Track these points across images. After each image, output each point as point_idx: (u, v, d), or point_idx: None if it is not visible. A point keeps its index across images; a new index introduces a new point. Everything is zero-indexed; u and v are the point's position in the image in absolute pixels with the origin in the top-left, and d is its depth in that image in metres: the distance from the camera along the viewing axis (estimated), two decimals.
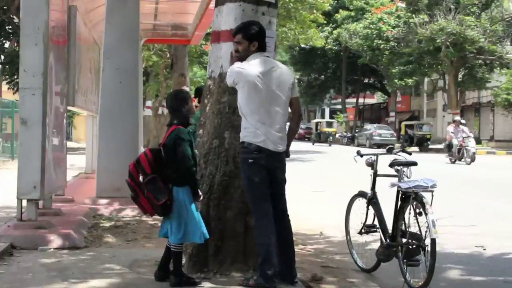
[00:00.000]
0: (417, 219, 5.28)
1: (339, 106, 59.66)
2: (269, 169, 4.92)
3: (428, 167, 21.01)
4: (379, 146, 35.15)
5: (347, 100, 56.32)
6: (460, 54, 32.70)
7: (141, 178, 4.87)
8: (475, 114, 43.90)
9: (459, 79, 35.69)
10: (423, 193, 5.30)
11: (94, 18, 11.97)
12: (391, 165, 5.64)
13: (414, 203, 5.28)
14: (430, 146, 35.56)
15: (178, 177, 4.86)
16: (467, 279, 6.06)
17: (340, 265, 6.31)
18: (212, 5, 10.01)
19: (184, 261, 5.13)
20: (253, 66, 4.88)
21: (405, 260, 5.31)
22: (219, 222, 5.23)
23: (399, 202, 5.52)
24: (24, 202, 6.89)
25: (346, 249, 6.52)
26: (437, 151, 34.73)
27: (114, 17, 9.46)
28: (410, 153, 6.15)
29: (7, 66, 25.35)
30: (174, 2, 13.76)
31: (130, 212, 8.59)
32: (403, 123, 39.44)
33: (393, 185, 5.50)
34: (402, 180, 5.50)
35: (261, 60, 4.93)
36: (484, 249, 7.29)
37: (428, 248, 5.12)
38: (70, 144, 23.27)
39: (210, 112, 5.43)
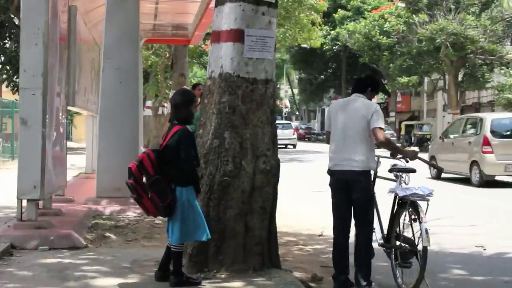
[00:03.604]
0: (411, 224, 5.39)
1: None
2: (344, 190, 5.32)
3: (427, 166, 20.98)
4: (378, 146, 35.10)
5: None
6: (460, 54, 32.66)
7: (144, 179, 4.87)
8: None
9: (459, 79, 35.65)
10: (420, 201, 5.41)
11: (94, 18, 11.97)
12: (390, 170, 5.74)
13: (410, 209, 5.40)
14: (430, 146, 35.53)
15: (182, 178, 4.87)
16: (467, 279, 6.06)
17: None
18: (212, 5, 10.01)
19: (184, 261, 5.13)
20: (335, 104, 5.75)
21: (397, 262, 5.44)
22: (219, 222, 5.23)
23: (396, 207, 5.63)
24: (24, 202, 6.89)
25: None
26: None
27: (114, 17, 9.46)
28: (407, 161, 5.98)
29: (8, 67, 25.32)
30: (174, 2, 13.76)
31: (130, 212, 8.59)
32: (403, 123, 39.41)
33: (391, 191, 5.61)
34: (400, 186, 5.59)
35: (344, 100, 5.67)
36: (484, 249, 7.30)
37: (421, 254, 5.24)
38: (70, 144, 23.26)
39: (210, 112, 5.43)
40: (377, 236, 5.67)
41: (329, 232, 8.21)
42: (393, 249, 5.55)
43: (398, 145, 7.14)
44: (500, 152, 14.39)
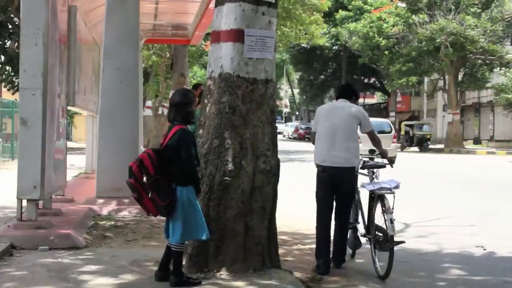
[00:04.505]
0: (383, 215, 5.91)
1: None
2: (331, 184, 6.00)
3: (429, 167, 21.00)
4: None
5: None
6: (460, 54, 32.67)
7: (144, 179, 4.87)
8: (475, 114, 43.89)
9: (459, 79, 35.65)
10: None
11: (94, 18, 11.96)
12: (363, 167, 6.37)
13: (379, 202, 6.00)
14: (430, 146, 35.53)
15: (182, 177, 4.88)
16: (467, 279, 6.06)
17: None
18: (212, 5, 10.01)
19: (184, 261, 5.13)
20: (323, 107, 6.39)
21: (376, 250, 5.99)
22: (219, 222, 5.23)
23: (369, 201, 6.24)
24: (24, 202, 6.89)
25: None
26: (437, 151, 34.74)
27: (114, 17, 9.45)
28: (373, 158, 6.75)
29: (8, 67, 25.29)
30: (174, 2, 13.74)
31: (130, 212, 8.60)
32: (403, 123, 39.39)
33: (362, 186, 6.27)
34: (373, 181, 6.24)
35: (333, 104, 6.31)
36: (484, 249, 7.29)
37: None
38: (70, 144, 23.23)
39: (210, 112, 5.43)
40: (359, 227, 6.33)
41: None
42: (371, 238, 6.09)
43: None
44: (366, 142, 20.18)
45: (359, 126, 6.17)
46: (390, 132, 22.66)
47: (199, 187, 5.01)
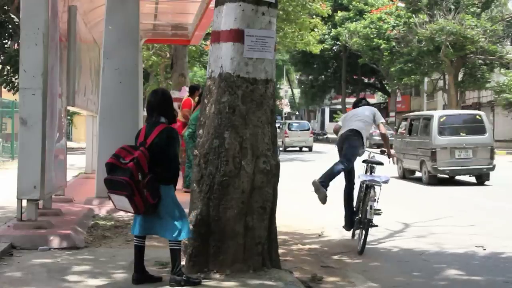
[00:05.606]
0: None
1: (340, 106, 59.72)
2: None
3: None
4: (378, 146, 35.04)
5: (347, 100, 56.25)
6: (460, 54, 32.64)
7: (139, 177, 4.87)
8: None
9: (459, 79, 35.63)
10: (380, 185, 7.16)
11: (94, 18, 11.96)
12: (364, 161, 7.50)
13: (369, 191, 7.09)
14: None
15: (167, 176, 4.92)
16: (467, 278, 6.06)
17: (340, 265, 6.31)
18: (212, 5, 10.01)
19: (184, 261, 5.13)
20: (349, 111, 8.31)
21: (364, 232, 6.95)
22: (219, 222, 5.23)
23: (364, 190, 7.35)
24: (24, 202, 6.89)
25: (346, 249, 6.56)
26: None
27: (114, 17, 9.45)
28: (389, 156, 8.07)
29: (8, 67, 25.31)
30: (174, 2, 13.74)
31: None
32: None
33: (358, 177, 7.35)
34: (372, 174, 7.32)
35: (355, 110, 8.01)
36: (484, 249, 7.29)
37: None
38: (70, 144, 23.26)
39: (210, 112, 5.43)
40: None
41: (329, 232, 8.25)
42: (357, 219, 7.18)
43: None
44: (292, 136, 34.41)
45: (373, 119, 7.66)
46: (308, 130, 35.10)
47: (175, 186, 5.06)
